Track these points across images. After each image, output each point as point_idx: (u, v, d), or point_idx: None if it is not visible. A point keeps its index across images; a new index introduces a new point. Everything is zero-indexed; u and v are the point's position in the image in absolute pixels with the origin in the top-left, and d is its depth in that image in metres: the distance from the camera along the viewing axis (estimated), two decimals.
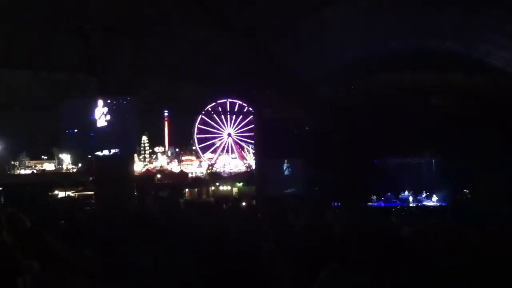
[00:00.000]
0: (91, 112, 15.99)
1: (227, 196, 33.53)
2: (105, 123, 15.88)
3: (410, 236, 6.95)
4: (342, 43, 20.67)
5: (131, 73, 16.59)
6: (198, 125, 39.53)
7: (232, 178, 38.74)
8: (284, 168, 24.68)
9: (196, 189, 37.71)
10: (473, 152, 24.03)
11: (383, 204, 27.04)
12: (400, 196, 28.12)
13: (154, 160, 40.75)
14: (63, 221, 8.27)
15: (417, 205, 26.10)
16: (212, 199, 30.82)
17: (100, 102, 15.98)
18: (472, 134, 23.87)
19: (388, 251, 5.48)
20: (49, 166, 37.98)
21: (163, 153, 41.01)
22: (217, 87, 28.89)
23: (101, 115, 15.93)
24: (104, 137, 16.15)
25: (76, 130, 16.33)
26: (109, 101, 16.06)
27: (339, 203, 23.12)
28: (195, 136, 39.64)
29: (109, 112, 15.97)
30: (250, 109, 35.16)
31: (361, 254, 5.26)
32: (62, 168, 37.43)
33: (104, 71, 16.52)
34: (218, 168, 40.11)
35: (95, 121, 15.95)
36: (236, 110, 39.00)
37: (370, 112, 25.58)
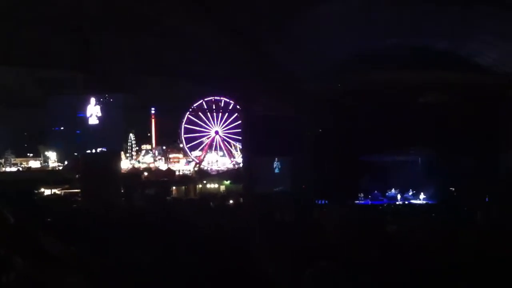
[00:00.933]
0: (78, 110, 15.89)
1: (214, 193, 33.47)
2: (97, 121, 15.84)
3: (400, 234, 6.95)
4: (332, 41, 20.68)
5: (119, 71, 16.48)
6: (187, 118, 39.35)
7: (220, 176, 38.69)
8: (274, 166, 24.70)
9: (184, 187, 37.59)
10: (460, 150, 24.20)
11: (370, 202, 27.12)
12: (387, 194, 28.22)
13: (141, 157, 40.50)
14: (49, 219, 8.15)
15: (404, 203, 26.22)
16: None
17: (93, 100, 15.91)
18: (460, 132, 24.03)
19: (379, 249, 5.45)
20: (35, 164, 37.65)
21: (149, 151, 40.73)
22: (206, 84, 28.79)
23: (92, 113, 15.86)
24: (92, 134, 16.08)
25: (62, 128, 16.21)
26: (95, 98, 15.96)
27: (326, 201, 23.15)
28: (182, 132, 39.46)
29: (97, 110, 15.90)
30: (238, 106, 35.11)
31: (352, 252, 5.23)
32: (48, 166, 37.12)
33: (92, 69, 16.38)
34: (205, 166, 39.99)
35: (82, 119, 15.85)
36: (224, 107, 38.93)
37: (359, 111, 25.65)
